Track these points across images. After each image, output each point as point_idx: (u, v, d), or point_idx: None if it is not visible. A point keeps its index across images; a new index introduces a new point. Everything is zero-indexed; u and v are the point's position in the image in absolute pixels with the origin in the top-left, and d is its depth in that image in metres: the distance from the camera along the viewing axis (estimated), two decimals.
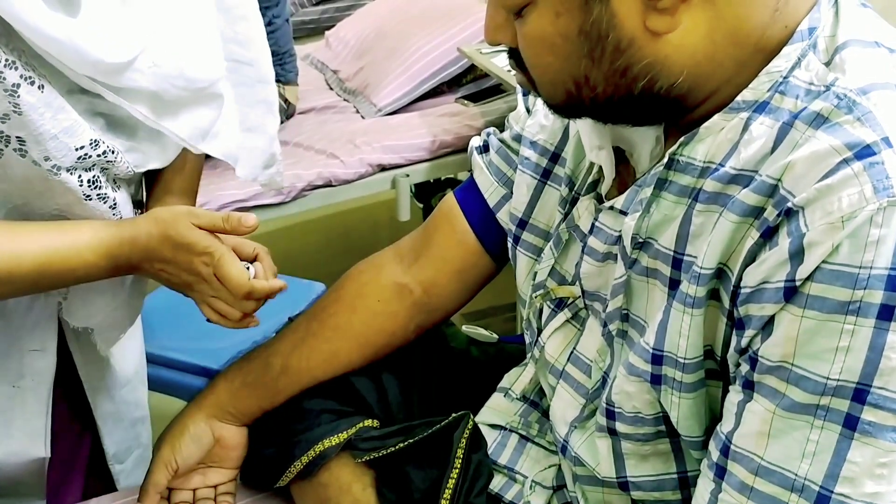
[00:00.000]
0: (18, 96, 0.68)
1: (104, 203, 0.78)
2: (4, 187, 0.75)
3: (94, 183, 0.77)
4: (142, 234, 0.78)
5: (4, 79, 0.67)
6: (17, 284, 0.74)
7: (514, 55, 0.65)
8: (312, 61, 2.53)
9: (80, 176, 0.75)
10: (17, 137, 0.70)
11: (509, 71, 1.95)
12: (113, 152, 0.76)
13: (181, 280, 0.80)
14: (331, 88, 2.40)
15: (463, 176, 2.42)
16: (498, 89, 2.19)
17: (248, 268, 0.87)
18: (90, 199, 0.77)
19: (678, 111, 0.62)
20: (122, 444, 1.05)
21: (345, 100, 2.31)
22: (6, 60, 0.67)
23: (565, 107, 0.65)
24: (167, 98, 0.77)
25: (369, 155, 1.95)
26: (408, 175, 1.98)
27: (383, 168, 1.96)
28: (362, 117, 2.19)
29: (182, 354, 1.39)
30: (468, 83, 2.26)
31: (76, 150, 0.73)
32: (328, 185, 1.89)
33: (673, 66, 0.58)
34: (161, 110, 0.77)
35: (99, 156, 0.75)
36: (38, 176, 0.73)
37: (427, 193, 2.37)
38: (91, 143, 0.74)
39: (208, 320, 0.85)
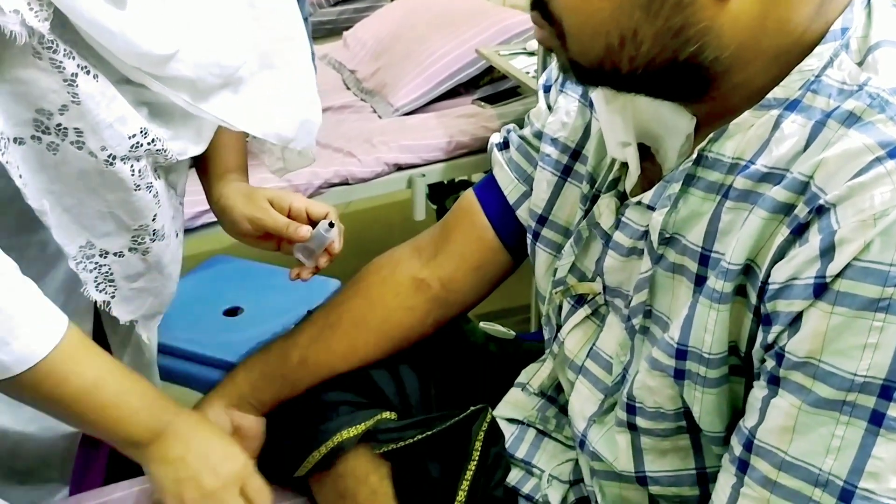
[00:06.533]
0: (77, 85, 0.69)
1: (149, 193, 0.79)
2: (57, 188, 0.75)
3: (142, 173, 0.77)
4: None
5: (64, 68, 0.68)
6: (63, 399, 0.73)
7: (540, 6, 0.62)
8: (330, 61, 2.55)
9: (132, 166, 0.76)
10: (74, 129, 0.71)
11: (528, 73, 1.96)
12: (160, 140, 0.77)
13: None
14: (348, 88, 2.41)
15: (478, 178, 2.43)
16: (515, 91, 2.20)
17: (331, 225, 0.91)
18: (139, 190, 0.78)
19: (707, 91, 0.61)
20: None
21: (362, 100, 2.32)
22: (65, 50, 0.68)
23: (596, 68, 0.61)
24: (201, 87, 0.78)
25: (386, 154, 1.95)
26: (424, 175, 1.98)
27: (399, 167, 1.97)
28: (379, 117, 2.20)
29: (198, 346, 1.39)
30: (485, 85, 2.26)
31: (129, 138, 0.74)
32: (345, 183, 1.90)
33: (724, 37, 0.57)
34: (197, 96, 0.78)
35: (149, 144, 0.76)
36: (94, 168, 0.74)
37: (441, 195, 2.38)
38: (141, 132, 0.75)
39: None
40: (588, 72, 0.63)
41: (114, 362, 0.76)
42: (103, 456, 1.05)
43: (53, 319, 0.72)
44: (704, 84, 0.61)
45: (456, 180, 2.37)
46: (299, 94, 0.90)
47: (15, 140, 0.70)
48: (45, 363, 0.69)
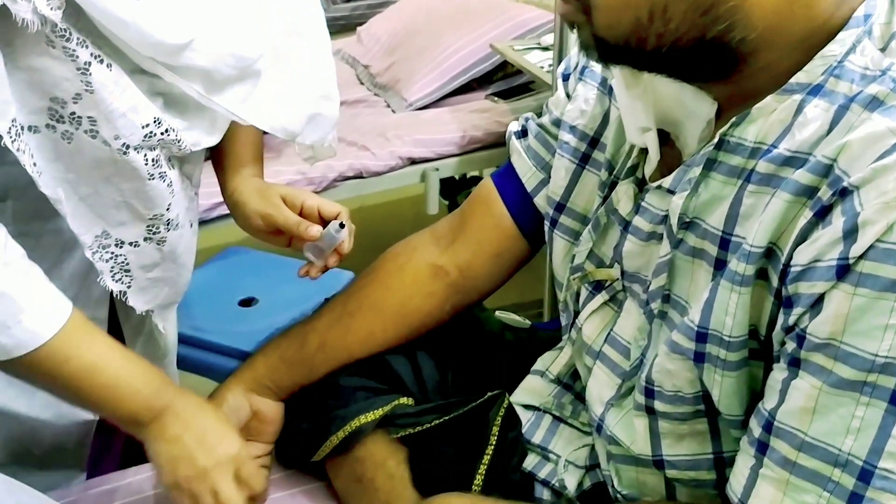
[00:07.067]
0: (90, 74, 0.69)
1: (163, 182, 0.80)
2: (72, 177, 0.76)
3: (156, 162, 0.78)
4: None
5: (77, 57, 0.68)
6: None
7: None
8: (344, 56, 2.55)
9: (145, 155, 0.76)
10: (88, 118, 0.72)
11: (542, 68, 1.96)
12: (174, 130, 0.77)
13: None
14: (361, 83, 2.41)
15: (490, 173, 2.43)
16: (528, 87, 2.20)
17: (341, 226, 0.91)
18: (153, 179, 0.78)
19: (731, 72, 0.61)
20: None
21: (375, 94, 2.33)
22: (78, 39, 0.68)
23: (621, 44, 0.61)
24: (217, 77, 0.79)
25: (400, 148, 1.96)
26: (437, 169, 1.99)
27: (413, 161, 1.97)
28: (393, 112, 2.20)
29: (216, 336, 1.40)
30: (498, 80, 2.27)
31: (142, 127, 0.74)
32: (359, 176, 1.91)
33: (752, 17, 0.58)
34: (211, 88, 0.79)
35: (162, 134, 0.76)
36: (108, 157, 0.74)
37: (452, 191, 2.39)
38: (155, 122, 0.75)
39: None
40: (612, 48, 0.63)
41: (115, 345, 0.77)
42: (118, 442, 1.06)
43: (57, 305, 0.72)
44: (729, 65, 0.61)
45: (467, 176, 2.38)
46: (306, 89, 0.91)
47: (29, 128, 0.71)
48: (45, 347, 0.70)
